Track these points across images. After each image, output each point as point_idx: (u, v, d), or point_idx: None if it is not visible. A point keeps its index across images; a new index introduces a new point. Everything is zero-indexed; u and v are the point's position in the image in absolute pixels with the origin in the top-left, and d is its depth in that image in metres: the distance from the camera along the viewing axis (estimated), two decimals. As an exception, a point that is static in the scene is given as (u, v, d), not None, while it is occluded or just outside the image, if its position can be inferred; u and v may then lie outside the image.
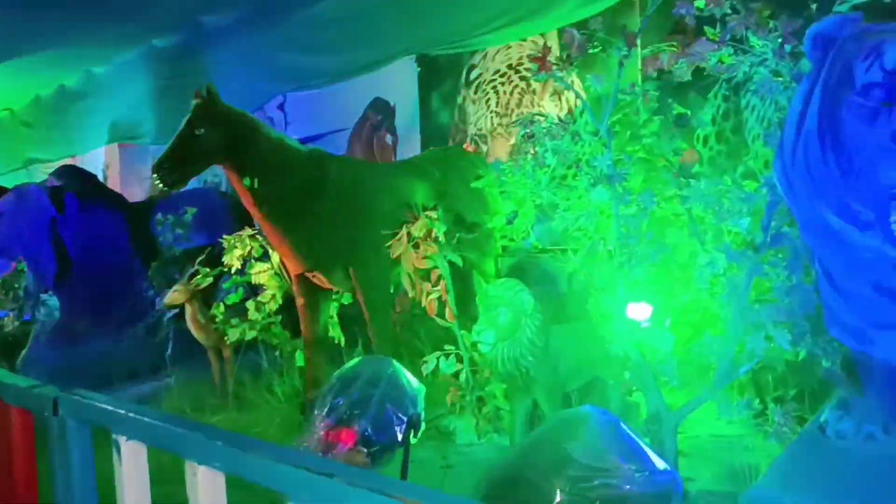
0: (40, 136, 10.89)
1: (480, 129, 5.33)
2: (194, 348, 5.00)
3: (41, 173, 10.46)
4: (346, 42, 6.43)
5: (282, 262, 4.25)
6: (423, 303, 3.47)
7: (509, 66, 5.17)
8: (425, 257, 3.45)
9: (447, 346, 3.46)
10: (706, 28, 2.20)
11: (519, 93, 5.09)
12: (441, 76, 5.68)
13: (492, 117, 5.25)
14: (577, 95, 2.48)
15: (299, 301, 3.83)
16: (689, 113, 3.04)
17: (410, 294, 3.40)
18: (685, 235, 3.04)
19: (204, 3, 7.15)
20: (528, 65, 5.08)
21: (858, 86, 1.63)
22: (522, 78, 5.08)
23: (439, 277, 3.47)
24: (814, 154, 1.67)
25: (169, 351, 5.30)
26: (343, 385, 1.77)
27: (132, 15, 7.15)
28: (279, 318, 4.41)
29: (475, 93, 5.40)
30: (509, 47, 5.18)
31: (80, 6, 6.56)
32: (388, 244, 3.44)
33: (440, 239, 3.41)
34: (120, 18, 7.26)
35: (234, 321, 4.41)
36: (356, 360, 2.00)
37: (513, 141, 5.13)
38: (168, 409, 4.35)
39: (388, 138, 6.10)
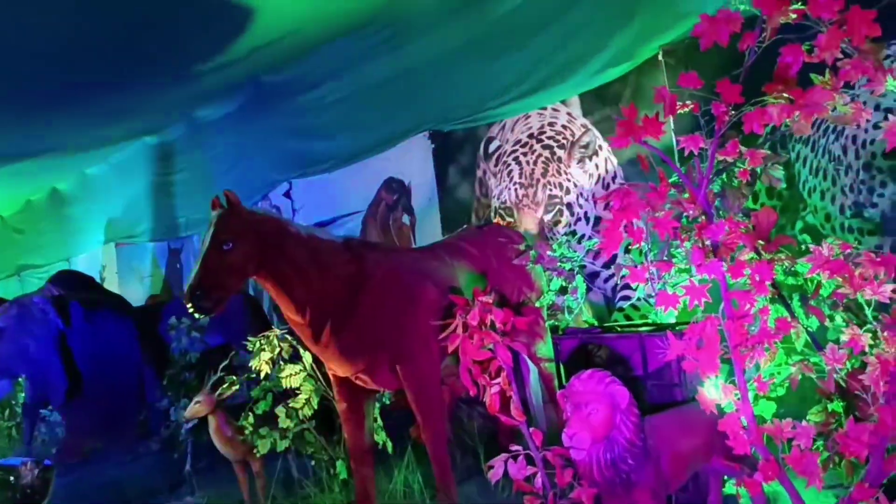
0: (32, 241, 10.63)
1: (504, 203, 5.11)
2: (217, 462, 4.57)
3: (35, 280, 10.17)
4: (350, 124, 6.29)
5: (314, 361, 3.90)
6: (485, 398, 3.11)
7: (531, 136, 4.99)
8: (482, 347, 3.12)
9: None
10: (814, 76, 1.97)
11: (543, 162, 4.89)
12: (457, 150, 5.50)
13: (516, 189, 5.03)
14: (661, 160, 2.21)
15: (341, 406, 3.45)
16: (758, 170, 2.81)
17: (473, 392, 3.04)
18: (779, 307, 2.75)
19: (196, 99, 7.07)
20: (549, 133, 4.91)
21: None
22: (546, 147, 4.89)
23: (499, 369, 3.12)
24: None
25: (188, 467, 4.85)
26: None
27: (125, 114, 7.04)
28: (312, 423, 4.02)
29: (496, 165, 5.20)
30: (528, 116, 5.02)
31: (73, 109, 6.44)
32: (440, 336, 3.11)
33: (497, 325, 3.09)
34: (113, 118, 7.15)
35: (263, 431, 4.01)
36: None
37: (540, 213, 4.90)
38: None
39: (406, 218, 5.86)
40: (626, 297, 4.56)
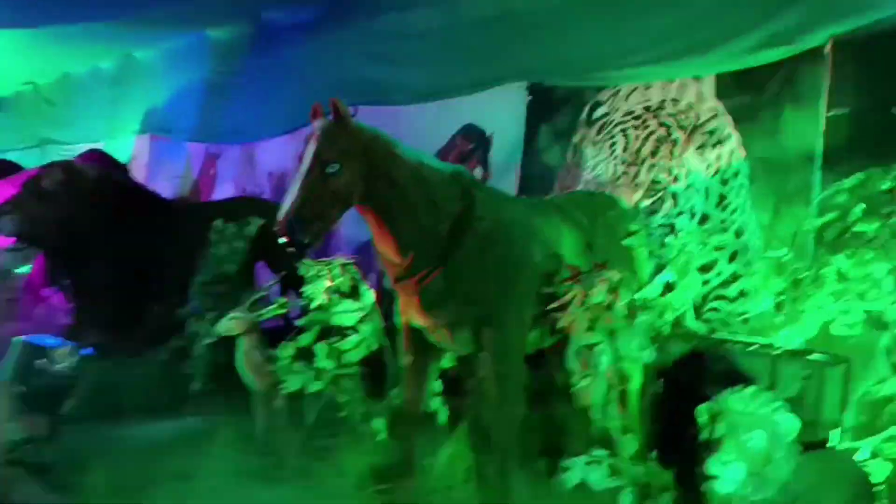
0: (63, 116, 10.09)
1: (598, 176, 4.58)
2: (230, 388, 4.12)
3: (58, 157, 9.68)
4: (437, 58, 5.73)
5: (377, 302, 3.45)
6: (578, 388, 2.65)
7: (646, 108, 4.44)
8: (588, 330, 2.65)
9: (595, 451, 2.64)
10: None
11: (655, 140, 4.35)
12: (556, 109, 4.95)
13: (615, 164, 4.50)
14: None
15: (407, 359, 3.00)
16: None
17: (576, 380, 2.58)
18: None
19: (270, -3, 6.50)
20: (670, 109, 4.36)
21: None
22: (662, 124, 4.35)
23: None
24: None
25: (199, 385, 4.43)
26: None
27: (185, -2, 6.45)
28: (355, 370, 3.58)
29: (598, 134, 4.66)
30: (649, 87, 4.46)
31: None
32: (550, 307, 2.63)
33: (619, 309, 2.61)
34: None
35: (296, 366, 3.57)
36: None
37: (638, 196, 4.37)
38: (198, 468, 3.44)
39: (478, 171, 5.34)
40: (716, 310, 4.07)
